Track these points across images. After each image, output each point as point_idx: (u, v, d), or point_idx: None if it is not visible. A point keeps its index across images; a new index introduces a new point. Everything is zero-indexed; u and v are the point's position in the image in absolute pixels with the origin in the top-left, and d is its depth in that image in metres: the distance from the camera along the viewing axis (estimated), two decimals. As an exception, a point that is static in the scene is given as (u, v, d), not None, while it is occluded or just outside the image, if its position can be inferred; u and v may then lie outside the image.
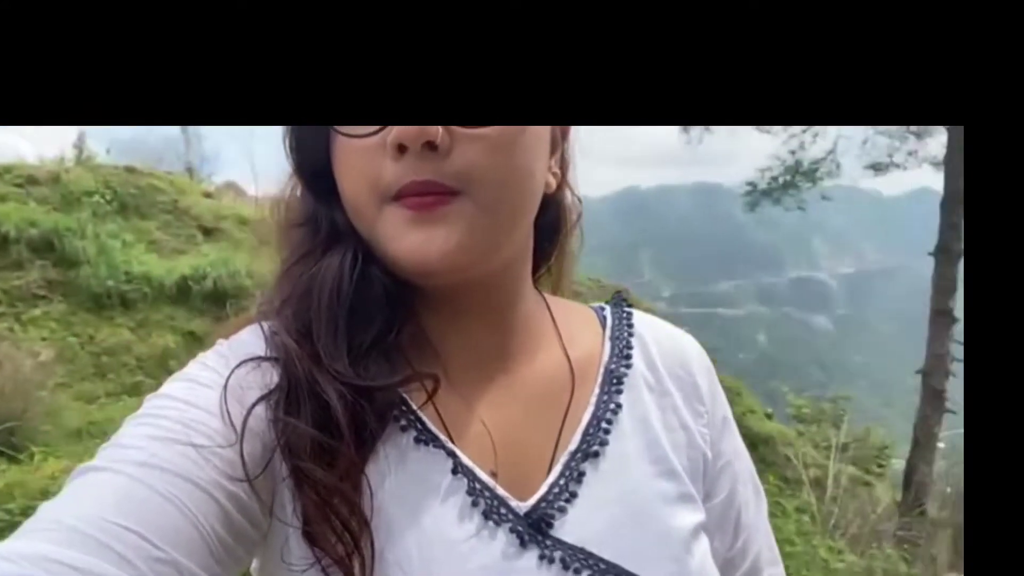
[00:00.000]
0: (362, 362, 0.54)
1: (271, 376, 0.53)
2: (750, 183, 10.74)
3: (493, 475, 0.56)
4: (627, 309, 0.70)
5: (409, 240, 0.53)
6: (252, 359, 0.54)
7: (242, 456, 0.49)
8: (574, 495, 0.57)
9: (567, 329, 0.66)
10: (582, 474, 0.58)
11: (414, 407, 0.57)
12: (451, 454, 0.56)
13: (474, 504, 0.55)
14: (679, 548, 0.57)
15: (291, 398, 0.52)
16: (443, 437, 0.57)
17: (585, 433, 0.60)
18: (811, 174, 10.38)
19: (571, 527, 0.56)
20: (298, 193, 0.61)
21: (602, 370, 0.64)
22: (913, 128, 10.07)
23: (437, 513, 0.54)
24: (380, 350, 0.55)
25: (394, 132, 0.51)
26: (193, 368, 0.55)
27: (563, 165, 0.64)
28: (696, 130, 10.09)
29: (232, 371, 0.53)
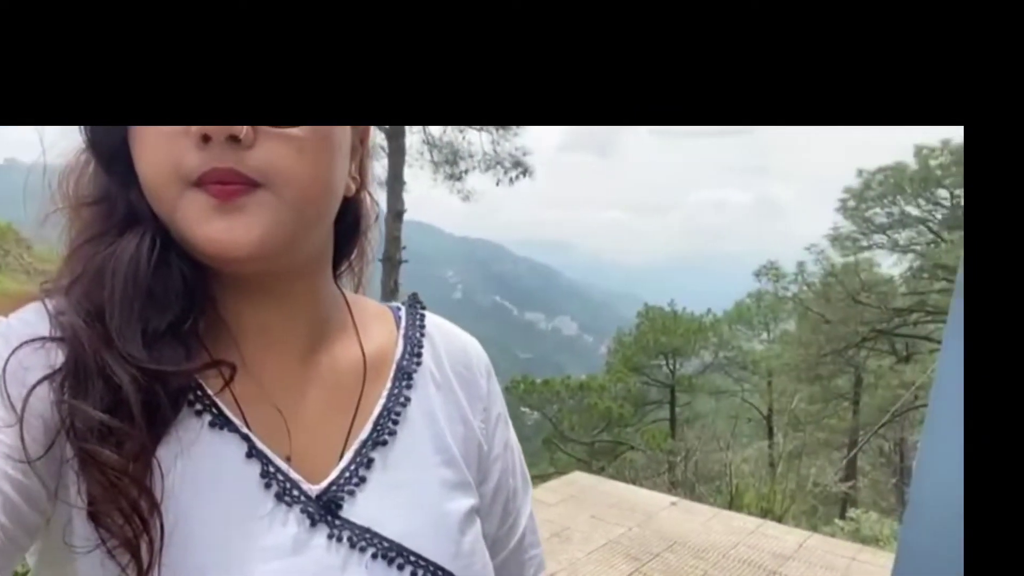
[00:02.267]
0: (156, 346, 0.54)
1: (56, 356, 0.53)
2: None
3: (287, 460, 0.59)
4: (421, 311, 0.75)
5: (211, 227, 0.54)
6: (36, 339, 0.53)
7: (22, 438, 0.48)
8: (363, 480, 0.62)
9: (364, 325, 0.71)
10: (371, 461, 0.63)
11: (210, 392, 0.58)
12: (245, 438, 0.58)
13: (267, 486, 0.57)
14: (455, 530, 0.64)
15: (77, 379, 0.52)
16: (237, 422, 0.58)
17: (376, 423, 0.65)
18: None
19: (359, 509, 0.60)
20: (90, 169, 0.60)
21: (394, 366, 0.69)
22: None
23: (230, 495, 0.56)
24: (176, 335, 0.56)
25: None
26: None
27: (362, 171, 0.68)
28: None
29: (13, 352, 0.52)
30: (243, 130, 0.51)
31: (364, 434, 0.64)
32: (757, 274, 18.18)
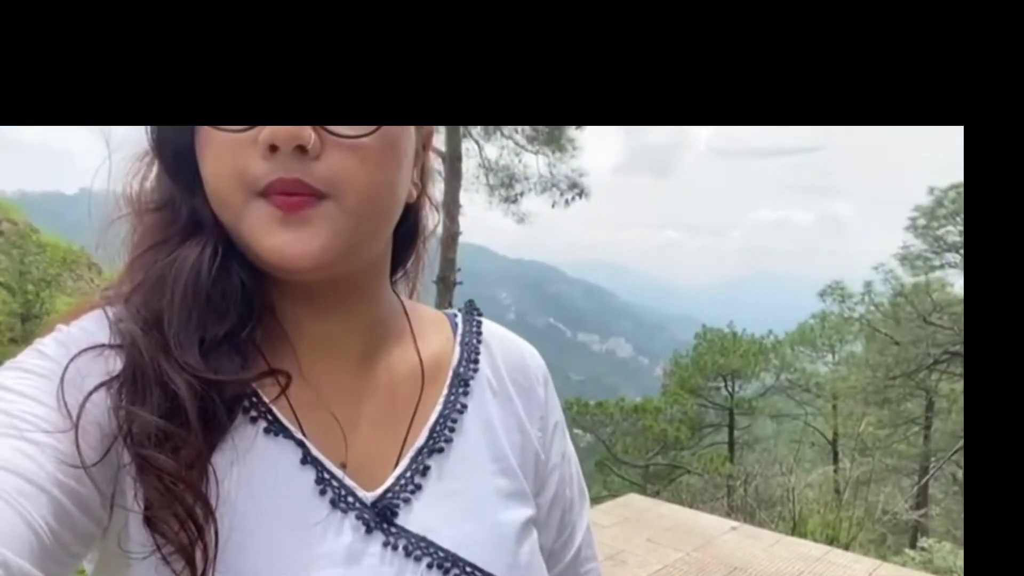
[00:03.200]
0: (213, 355, 0.56)
1: (114, 364, 0.54)
2: None
3: (343, 466, 0.60)
4: (477, 318, 0.76)
5: (276, 238, 0.55)
6: (94, 347, 0.54)
7: (77, 445, 0.49)
8: (419, 488, 0.62)
9: (421, 331, 0.71)
10: (427, 468, 0.63)
11: (265, 399, 0.59)
12: (300, 444, 0.59)
13: (322, 493, 0.58)
14: (511, 540, 0.64)
15: (135, 386, 0.52)
16: (292, 428, 0.59)
17: (432, 430, 0.66)
18: None
19: (415, 517, 0.61)
20: (154, 173, 0.61)
21: (451, 372, 0.70)
22: None
23: (285, 502, 0.57)
24: (233, 343, 0.57)
25: (266, 131, 0.52)
26: (28, 356, 0.54)
27: (423, 176, 0.69)
28: None
29: (72, 359, 0.53)
30: (310, 140, 0.52)
31: (420, 441, 0.64)
32: (822, 294, 17.75)
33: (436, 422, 0.66)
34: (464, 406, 0.68)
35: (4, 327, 9.83)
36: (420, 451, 0.64)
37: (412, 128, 0.62)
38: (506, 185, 13.37)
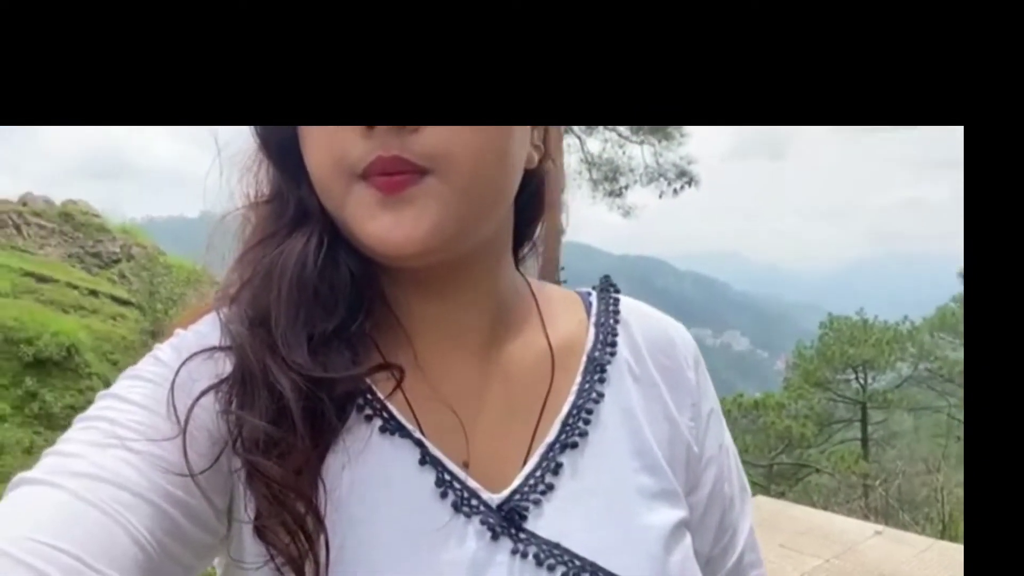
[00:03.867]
0: (323, 351, 0.53)
1: (224, 367, 0.52)
2: None
3: (465, 466, 0.56)
4: (614, 295, 0.68)
5: (378, 223, 0.52)
6: (204, 350, 0.53)
7: (185, 453, 0.48)
8: (550, 487, 0.57)
9: (550, 314, 0.65)
10: (559, 466, 0.57)
11: (380, 396, 0.56)
12: (418, 443, 0.55)
13: (443, 496, 0.54)
14: (659, 546, 0.57)
15: (243, 389, 0.51)
16: (410, 427, 0.56)
17: (564, 423, 0.59)
18: None
19: (546, 521, 0.55)
20: (264, 168, 0.59)
21: (585, 358, 0.63)
22: None
23: (403, 506, 0.53)
24: (343, 338, 0.54)
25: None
26: (144, 363, 0.54)
27: (547, 138, 0.62)
28: None
29: (182, 364, 0.52)
30: None
31: (551, 436, 0.59)
32: (961, 275, 16.57)
33: (569, 414, 0.60)
34: (600, 394, 0.61)
35: (138, 343, 10.61)
36: (551, 447, 0.58)
37: None
38: (610, 179, 13.21)
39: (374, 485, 0.53)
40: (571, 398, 0.61)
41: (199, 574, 0.52)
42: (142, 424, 0.49)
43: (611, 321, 0.66)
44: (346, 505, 0.52)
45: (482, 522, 0.54)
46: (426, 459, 0.55)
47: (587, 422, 0.59)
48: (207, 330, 0.55)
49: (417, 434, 0.55)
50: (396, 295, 0.59)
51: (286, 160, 0.57)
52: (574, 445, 0.58)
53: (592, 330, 0.65)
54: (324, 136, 0.52)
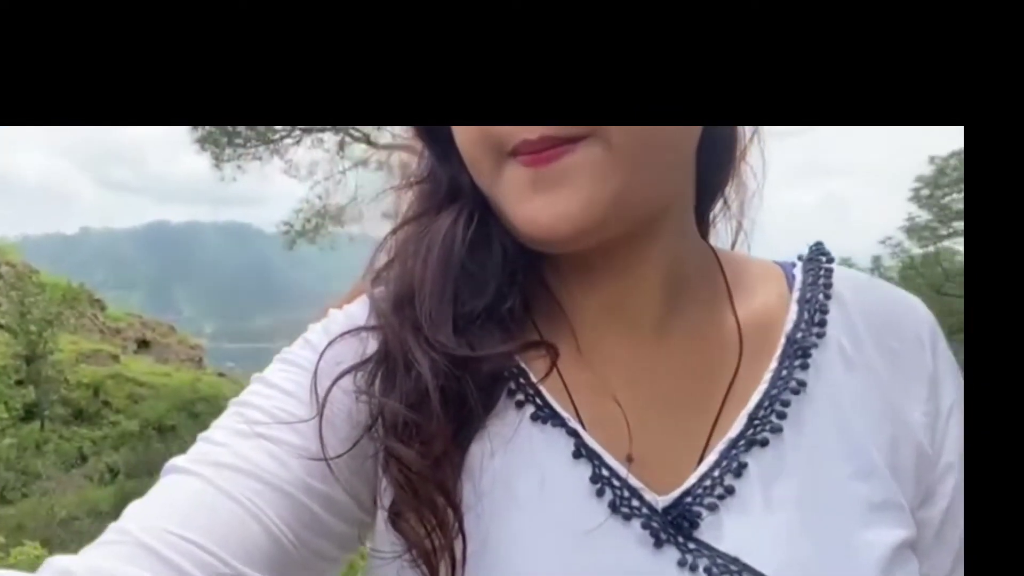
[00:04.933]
0: (471, 330, 0.49)
1: (369, 347, 0.50)
2: (286, 223, 12.70)
3: (629, 461, 0.49)
4: (827, 265, 0.57)
5: (528, 205, 0.47)
6: (349, 331, 0.51)
7: (320, 438, 0.46)
8: (730, 491, 0.48)
9: (741, 289, 0.56)
10: (743, 466, 0.49)
11: (534, 380, 0.51)
12: (573, 433, 0.50)
13: (599, 494, 0.48)
14: (874, 570, 0.46)
15: (384, 370, 0.49)
16: (566, 415, 0.50)
17: (752, 416, 0.51)
18: (338, 217, 12.40)
19: (724, 531, 0.47)
20: (419, 150, 0.57)
21: (783, 339, 0.53)
22: None
23: (553, 503, 0.48)
24: (495, 318, 0.50)
25: None
26: (295, 346, 0.53)
27: None
28: (228, 168, 12.20)
29: (326, 347, 0.50)
30: None
31: (735, 431, 0.50)
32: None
33: (759, 405, 0.51)
34: (801, 383, 0.51)
35: (10, 369, 9.85)
36: (734, 443, 0.50)
37: None
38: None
39: (522, 478, 0.48)
40: (763, 386, 0.52)
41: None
42: (284, 411, 0.47)
43: (820, 296, 0.55)
44: (490, 497, 0.47)
45: (644, 526, 0.47)
46: (581, 451, 0.49)
47: (781, 416, 0.50)
48: (357, 310, 0.54)
49: (573, 423, 0.50)
50: (555, 275, 0.54)
51: (436, 137, 0.54)
52: (763, 442, 0.49)
53: (794, 307, 0.55)
54: None
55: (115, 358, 11.39)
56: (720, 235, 0.62)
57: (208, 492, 0.44)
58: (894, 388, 0.52)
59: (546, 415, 0.50)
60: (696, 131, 0.49)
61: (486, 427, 0.49)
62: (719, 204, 0.61)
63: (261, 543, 0.43)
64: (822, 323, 0.53)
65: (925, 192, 15.43)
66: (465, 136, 0.49)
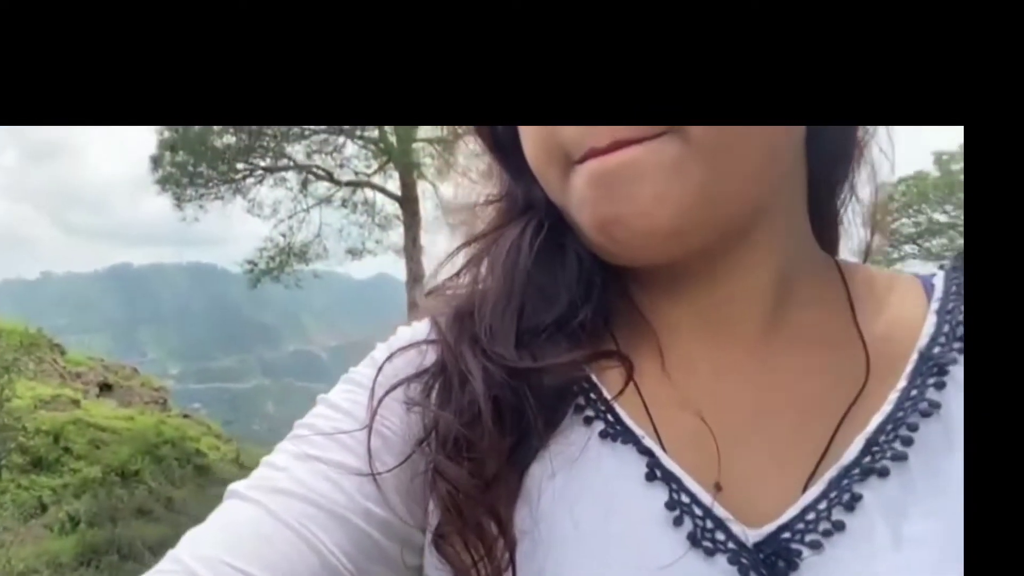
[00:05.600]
0: (536, 343, 0.46)
1: (427, 360, 0.49)
2: (250, 262, 12.88)
3: (717, 488, 0.43)
4: None
5: (597, 207, 0.43)
6: (409, 345, 0.50)
7: (369, 451, 0.45)
8: (839, 527, 0.41)
9: (866, 301, 0.49)
10: (856, 498, 0.42)
11: (607, 396, 0.47)
12: (647, 452, 0.44)
13: (676, 523, 0.42)
14: None
15: (440, 384, 0.47)
16: (640, 432, 0.45)
17: (871, 442, 0.43)
18: (302, 255, 12.68)
19: (829, 572, 0.40)
20: (494, 173, 0.55)
21: (916, 355, 0.46)
22: (378, 219, 13.18)
23: (622, 531, 0.43)
24: (565, 331, 0.47)
25: None
26: (361, 364, 0.51)
27: None
28: (190, 208, 12.44)
29: (384, 362, 0.49)
30: None
31: (848, 457, 0.43)
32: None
33: (880, 429, 0.44)
34: (935, 404, 0.44)
35: (-33, 418, 9.51)
36: (847, 472, 0.43)
37: None
38: (469, 223, 13.43)
39: (587, 502, 0.44)
40: (887, 408, 0.45)
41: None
42: (341, 431, 0.46)
43: (963, 306, 0.48)
44: (548, 523, 0.43)
45: (731, 561, 0.41)
46: (656, 473, 0.44)
47: (907, 441, 0.43)
48: (423, 327, 0.52)
49: (648, 442, 0.45)
50: (641, 290, 0.50)
51: (510, 155, 0.51)
52: (883, 472, 0.42)
53: (932, 318, 0.48)
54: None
55: (76, 403, 11.08)
56: (853, 239, 0.57)
57: (265, 520, 0.43)
58: None
59: (617, 432, 0.45)
60: (797, 127, 0.45)
61: (548, 446, 0.45)
62: (849, 203, 0.55)
63: (317, 571, 0.42)
64: (964, 337, 0.46)
65: (877, 218, 15.95)
66: (531, 147, 0.47)
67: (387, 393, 0.47)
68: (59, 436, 9.98)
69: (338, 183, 13.46)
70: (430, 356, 0.49)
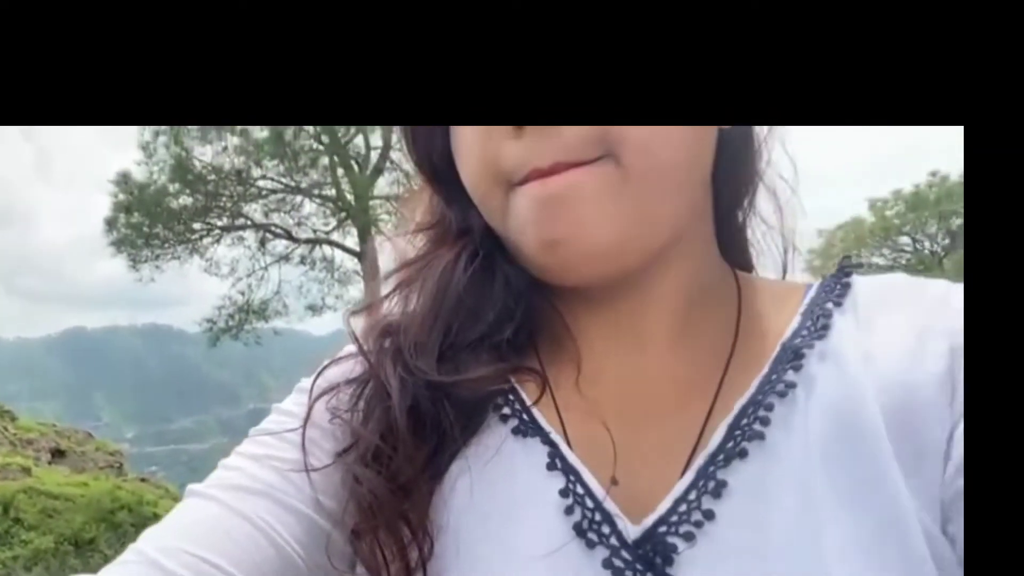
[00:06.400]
0: (459, 357, 0.49)
1: (355, 372, 0.52)
2: (209, 320, 12.88)
3: (613, 483, 0.45)
4: (845, 279, 0.52)
5: (537, 229, 0.45)
6: (339, 357, 0.53)
7: (304, 451, 0.47)
8: (709, 516, 0.42)
9: (755, 309, 0.52)
10: (722, 484, 0.43)
11: (525, 399, 0.50)
12: (549, 444, 0.47)
13: (568, 511, 0.44)
14: None
15: (362, 395, 0.49)
16: (549, 428, 0.48)
17: (733, 427, 0.45)
18: (262, 312, 12.83)
19: (702, 566, 0.41)
20: (427, 196, 0.56)
21: (779, 347, 0.49)
22: (338, 275, 13.19)
23: (520, 515, 0.45)
24: (488, 346, 0.49)
25: None
26: (312, 376, 0.54)
27: None
28: (146, 269, 12.59)
29: (321, 370, 0.52)
30: None
31: (714, 443, 0.45)
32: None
33: (742, 412, 0.46)
34: (790, 384, 0.45)
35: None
36: (712, 459, 0.44)
37: None
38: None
39: (495, 490, 0.46)
40: (749, 392, 0.47)
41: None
42: (293, 434, 0.49)
43: (828, 305, 0.50)
44: (460, 512, 0.45)
45: (606, 563, 0.42)
46: (556, 464, 0.46)
47: (765, 422, 0.44)
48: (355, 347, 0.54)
49: (555, 436, 0.47)
50: (564, 303, 0.52)
51: (445, 182, 0.52)
52: (743, 454, 0.43)
53: (798, 318, 0.50)
54: (473, 145, 0.47)
55: (27, 471, 10.68)
56: (772, 254, 0.60)
57: (223, 513, 0.44)
58: (911, 384, 0.44)
59: (528, 428, 0.48)
60: (710, 151, 0.48)
61: (468, 446, 0.47)
62: (754, 220, 0.58)
63: (274, 562, 0.44)
64: (825, 327, 0.48)
65: (817, 263, 16.52)
66: (472, 170, 0.48)
67: (317, 398, 0.49)
68: (8, 506, 9.59)
69: (296, 240, 13.46)
70: (359, 368, 0.51)
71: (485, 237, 0.51)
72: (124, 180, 12.54)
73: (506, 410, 0.49)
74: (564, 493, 0.44)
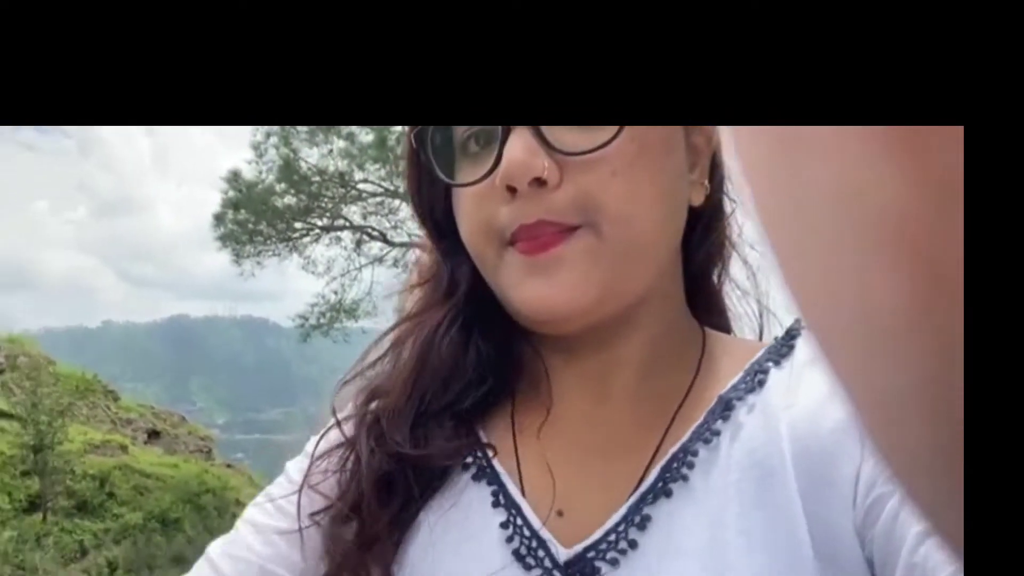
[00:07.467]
0: (428, 425, 0.53)
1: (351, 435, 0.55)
2: (302, 316, 12.94)
3: (559, 515, 0.51)
4: (792, 341, 0.54)
5: (526, 290, 0.50)
6: (330, 427, 0.56)
7: (298, 511, 0.52)
8: (633, 545, 0.48)
9: (713, 364, 0.56)
10: (647, 519, 0.48)
11: (490, 455, 0.55)
12: (496, 483, 0.53)
13: (508, 540, 0.50)
14: None
15: (344, 460, 0.53)
16: (502, 472, 0.53)
17: (665, 468, 0.50)
18: (352, 312, 12.77)
19: None
20: (428, 252, 0.61)
21: (716, 400, 0.53)
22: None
23: (466, 550, 0.51)
24: (454, 415, 0.54)
25: (500, 174, 0.48)
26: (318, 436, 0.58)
27: (713, 171, 0.56)
28: (248, 264, 12.73)
29: (320, 437, 0.56)
30: (543, 171, 0.47)
31: (646, 484, 0.50)
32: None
33: (673, 457, 0.51)
34: (715, 432, 0.50)
35: (17, 459, 9.67)
36: (643, 497, 0.50)
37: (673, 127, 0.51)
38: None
39: (448, 531, 0.51)
40: (682, 440, 0.51)
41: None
42: (284, 497, 0.54)
43: (768, 363, 0.53)
44: (421, 553, 0.51)
45: None
46: (500, 500, 0.51)
47: (691, 465, 0.49)
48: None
49: (504, 478, 0.53)
50: (545, 352, 0.56)
51: (444, 234, 0.57)
52: (668, 493, 0.49)
53: (740, 373, 0.54)
54: (472, 204, 0.51)
55: (124, 448, 11.20)
56: (750, 318, 0.64)
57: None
58: (831, 448, 0.45)
59: (483, 474, 0.53)
60: (681, 221, 0.53)
61: (432, 499, 0.52)
62: (727, 285, 0.63)
63: None
64: (760, 383, 0.52)
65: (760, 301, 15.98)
66: (470, 229, 0.52)
67: (311, 465, 0.54)
68: (105, 481, 10.09)
69: (391, 244, 13.79)
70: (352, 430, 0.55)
71: (469, 300, 0.55)
72: (234, 178, 13.06)
73: (469, 459, 0.54)
74: (504, 525, 0.50)
